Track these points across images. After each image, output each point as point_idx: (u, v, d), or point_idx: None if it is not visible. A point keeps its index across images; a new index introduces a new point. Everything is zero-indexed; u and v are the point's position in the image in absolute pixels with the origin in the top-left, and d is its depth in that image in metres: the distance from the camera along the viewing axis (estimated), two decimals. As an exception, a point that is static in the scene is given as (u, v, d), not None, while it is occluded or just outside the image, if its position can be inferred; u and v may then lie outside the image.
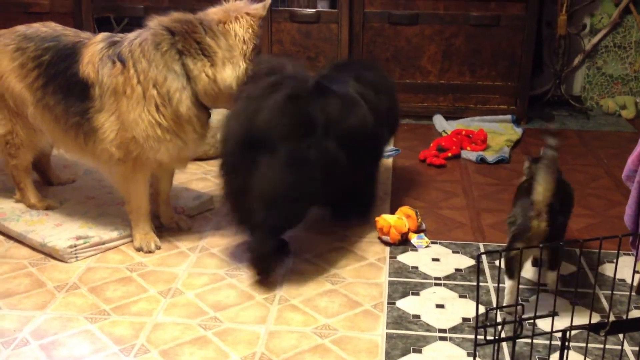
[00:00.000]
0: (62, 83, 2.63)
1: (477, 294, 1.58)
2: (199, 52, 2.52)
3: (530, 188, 2.20)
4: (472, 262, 2.67)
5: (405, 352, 2.11)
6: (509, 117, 4.32)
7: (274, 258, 2.51)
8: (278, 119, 2.33)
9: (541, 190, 2.15)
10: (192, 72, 2.51)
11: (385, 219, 2.79)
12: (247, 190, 2.37)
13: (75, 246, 2.63)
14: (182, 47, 2.51)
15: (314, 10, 4.28)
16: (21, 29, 2.79)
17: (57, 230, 2.74)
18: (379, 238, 2.82)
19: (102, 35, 2.67)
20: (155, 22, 2.59)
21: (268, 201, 2.36)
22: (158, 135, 2.53)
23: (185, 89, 2.52)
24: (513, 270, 2.24)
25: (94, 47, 2.60)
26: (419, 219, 2.88)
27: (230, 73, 2.53)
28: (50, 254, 2.65)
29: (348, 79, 2.78)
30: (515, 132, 4.16)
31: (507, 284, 2.27)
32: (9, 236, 2.81)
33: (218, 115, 2.77)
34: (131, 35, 2.60)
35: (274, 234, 2.51)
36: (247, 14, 2.56)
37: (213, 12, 2.60)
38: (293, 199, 2.40)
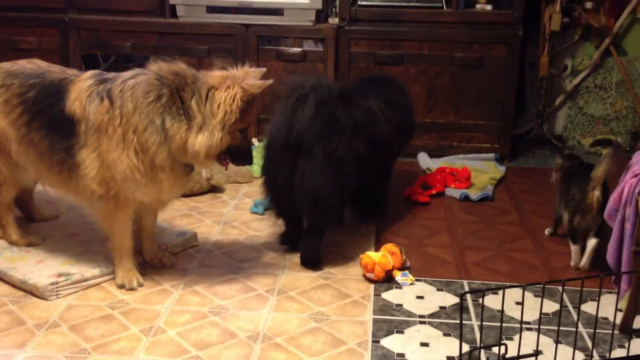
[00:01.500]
0: (48, 119, 2.62)
1: (460, 334, 1.58)
2: (180, 113, 2.47)
3: (582, 172, 2.94)
4: (456, 299, 2.66)
5: (389, 392, 2.09)
6: (492, 155, 4.36)
7: (320, 252, 2.95)
8: (310, 125, 2.75)
9: (602, 169, 2.85)
10: (168, 132, 2.47)
11: (370, 256, 2.79)
12: (289, 188, 2.81)
13: (57, 283, 2.60)
14: (165, 102, 2.47)
15: (300, 49, 4.34)
16: (6, 65, 2.79)
17: (39, 267, 2.71)
18: (364, 275, 2.81)
19: (90, 72, 2.66)
20: (155, 68, 2.53)
21: (313, 195, 2.78)
22: (136, 178, 2.51)
23: (162, 144, 2.47)
24: (576, 237, 2.95)
25: (82, 84, 2.59)
26: (404, 256, 2.88)
27: (200, 140, 2.45)
28: (31, 291, 2.62)
29: (370, 94, 3.23)
30: (499, 171, 4.20)
31: (573, 248, 2.96)
32: (-10, 273, 2.78)
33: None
34: (127, 75, 2.57)
35: (322, 228, 2.95)
36: (241, 87, 2.46)
37: (212, 76, 2.52)
38: (333, 191, 2.81)
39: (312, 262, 2.91)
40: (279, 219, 3.07)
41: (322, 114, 2.78)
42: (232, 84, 2.47)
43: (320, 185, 2.76)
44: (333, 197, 2.81)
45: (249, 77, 2.51)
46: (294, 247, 3.04)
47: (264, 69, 2.58)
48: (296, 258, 2.98)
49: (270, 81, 2.53)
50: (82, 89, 2.58)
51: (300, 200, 2.82)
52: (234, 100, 2.45)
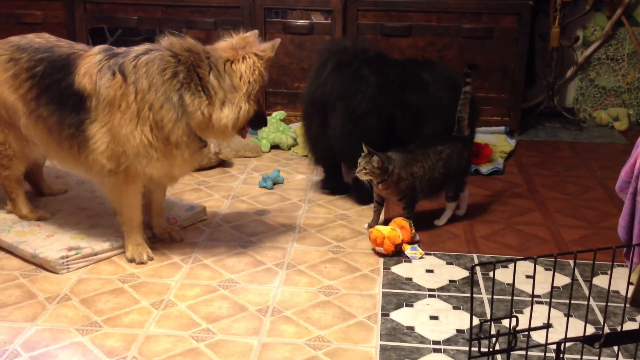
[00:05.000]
0: (56, 94, 2.61)
1: (471, 306, 1.57)
2: (199, 89, 2.48)
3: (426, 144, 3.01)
4: (466, 273, 2.66)
5: (399, 364, 2.10)
6: (502, 128, 4.33)
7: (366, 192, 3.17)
8: (330, 84, 3.13)
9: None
10: (188, 108, 2.47)
11: (379, 230, 2.78)
12: (321, 138, 3.21)
13: (67, 257, 2.61)
14: (183, 78, 2.47)
15: (307, 21, 4.29)
16: (15, 39, 2.78)
17: (49, 241, 2.72)
18: (373, 249, 2.81)
19: (99, 47, 2.64)
20: (167, 44, 2.53)
21: (335, 146, 3.14)
22: (148, 153, 2.51)
23: (179, 120, 2.48)
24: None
25: (91, 59, 2.57)
26: (413, 230, 2.87)
27: (227, 114, 2.49)
28: (42, 265, 2.63)
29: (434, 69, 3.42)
30: (509, 144, 4.17)
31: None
32: (0, 247, 2.79)
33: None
34: (139, 49, 2.55)
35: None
36: (255, 54, 2.50)
37: (222, 49, 2.53)
38: (352, 144, 3.03)
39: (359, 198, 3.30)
40: (317, 166, 3.44)
41: (344, 73, 3.12)
42: (245, 53, 2.50)
43: (340, 138, 3.10)
44: (351, 149, 3.02)
45: (253, 43, 2.54)
46: (334, 192, 3.39)
47: (256, 31, 2.61)
48: (305, 232, 2.98)
49: (279, 40, 2.60)
50: (91, 64, 2.56)
51: (330, 149, 3.19)
52: (255, 70, 2.50)
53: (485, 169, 3.74)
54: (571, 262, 2.72)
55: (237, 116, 2.50)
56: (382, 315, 2.37)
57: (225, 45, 2.55)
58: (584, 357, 2.01)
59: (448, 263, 2.75)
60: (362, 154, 2.86)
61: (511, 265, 2.68)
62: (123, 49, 2.61)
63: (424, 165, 2.95)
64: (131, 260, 2.69)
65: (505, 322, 2.23)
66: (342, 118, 3.10)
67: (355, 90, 3.11)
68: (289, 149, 4.11)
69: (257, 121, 2.65)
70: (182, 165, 2.62)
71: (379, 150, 2.89)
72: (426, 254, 2.81)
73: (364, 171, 2.86)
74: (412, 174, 2.92)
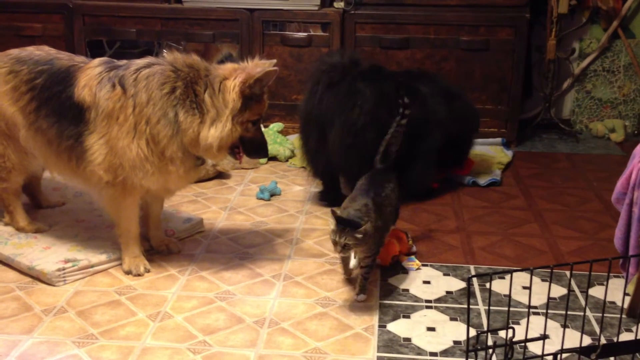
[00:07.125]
0: (56, 106, 2.61)
1: (467, 317, 1.58)
2: (194, 106, 2.46)
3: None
4: (463, 284, 2.66)
5: (396, 376, 2.10)
6: (499, 140, 4.34)
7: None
8: (325, 104, 3.16)
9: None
10: (182, 125, 2.46)
11: (376, 242, 2.78)
12: (319, 152, 3.26)
13: (64, 269, 2.61)
14: (180, 95, 2.46)
15: (305, 34, 4.31)
16: (14, 52, 2.79)
17: (46, 253, 2.72)
18: (370, 261, 2.81)
19: (99, 59, 2.65)
20: (170, 59, 2.53)
21: (335, 161, 3.19)
22: (144, 167, 2.51)
23: (174, 136, 2.47)
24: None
25: (91, 71, 2.58)
26: (410, 241, 2.87)
27: (213, 133, 2.45)
28: (38, 277, 2.63)
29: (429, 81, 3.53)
30: (506, 155, 4.18)
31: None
32: (-3, 259, 2.79)
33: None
34: (140, 62, 2.56)
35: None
36: (248, 73, 2.46)
37: (224, 68, 2.51)
38: (351, 158, 3.12)
39: None
40: (315, 179, 3.49)
41: (338, 91, 3.15)
42: (240, 71, 2.47)
43: (339, 153, 3.15)
44: (351, 163, 3.11)
45: (258, 65, 2.50)
46: (332, 204, 3.28)
47: (274, 60, 2.55)
48: (302, 243, 2.99)
49: (275, 69, 2.50)
50: (91, 76, 2.57)
51: (328, 164, 3.24)
52: (236, 86, 2.45)
53: (483, 181, 3.75)
54: (568, 273, 2.72)
55: (222, 136, 2.46)
56: (379, 326, 2.37)
57: (231, 65, 2.53)
58: (580, 368, 2.00)
59: (445, 274, 2.75)
60: (332, 229, 2.30)
61: (508, 277, 2.68)
62: (124, 61, 2.62)
63: (390, 205, 2.62)
64: (128, 272, 2.69)
65: (502, 334, 2.23)
66: (341, 133, 3.14)
67: (352, 105, 3.14)
68: (287, 160, 4.12)
69: (251, 149, 2.59)
70: (177, 181, 2.62)
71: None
72: (423, 265, 2.81)
73: (345, 248, 2.31)
74: (385, 217, 2.57)
